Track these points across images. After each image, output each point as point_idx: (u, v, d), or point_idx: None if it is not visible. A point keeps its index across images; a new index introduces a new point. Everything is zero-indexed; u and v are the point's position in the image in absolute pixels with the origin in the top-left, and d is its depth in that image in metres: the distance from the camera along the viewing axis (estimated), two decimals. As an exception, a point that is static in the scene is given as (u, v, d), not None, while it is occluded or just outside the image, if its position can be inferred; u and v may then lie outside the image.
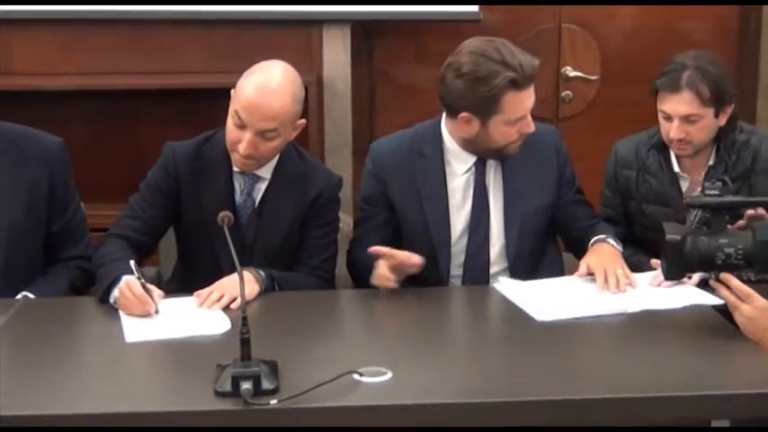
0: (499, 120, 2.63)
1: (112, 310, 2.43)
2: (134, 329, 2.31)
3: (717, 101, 2.74)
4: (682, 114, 2.74)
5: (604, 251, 2.67)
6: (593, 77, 4.29)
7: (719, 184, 2.21)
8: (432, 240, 2.76)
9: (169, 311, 2.41)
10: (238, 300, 2.24)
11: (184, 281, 2.74)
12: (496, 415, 1.95)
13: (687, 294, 2.47)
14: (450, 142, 2.77)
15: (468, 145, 2.74)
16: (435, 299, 2.63)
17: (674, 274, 2.31)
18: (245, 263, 2.50)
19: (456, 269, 2.79)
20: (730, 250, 2.12)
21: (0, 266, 2.59)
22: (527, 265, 2.75)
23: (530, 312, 2.41)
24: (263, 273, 2.59)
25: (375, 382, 1.99)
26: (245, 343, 1.96)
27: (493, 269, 2.78)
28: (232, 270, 2.33)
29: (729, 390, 2.00)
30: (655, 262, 2.60)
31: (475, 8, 3.90)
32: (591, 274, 2.58)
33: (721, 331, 2.24)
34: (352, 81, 3.96)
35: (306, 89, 2.70)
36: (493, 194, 2.78)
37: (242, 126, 2.56)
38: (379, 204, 2.82)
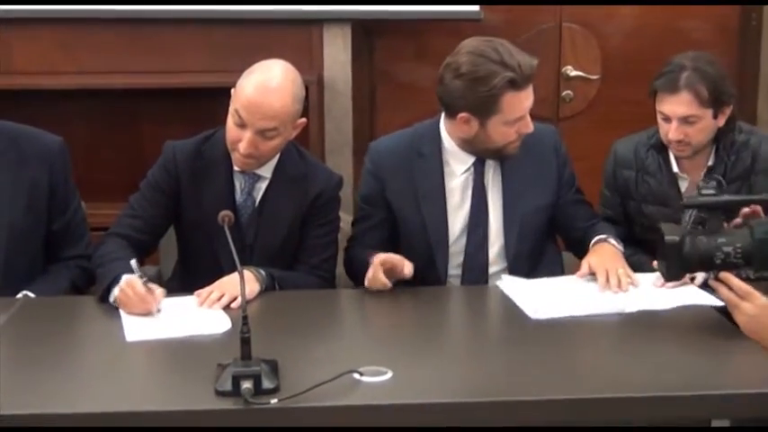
0: (498, 120, 2.63)
1: (113, 310, 2.43)
2: (134, 329, 2.31)
3: (715, 102, 2.74)
4: (680, 115, 2.74)
5: (606, 251, 2.67)
6: (594, 77, 4.29)
7: (714, 183, 2.22)
8: (429, 240, 2.76)
9: (169, 311, 2.42)
10: (239, 299, 2.24)
11: (185, 280, 2.74)
12: (497, 415, 1.95)
13: (686, 295, 2.47)
14: (448, 142, 2.77)
15: (466, 145, 2.74)
16: (436, 298, 2.63)
17: (674, 274, 2.31)
18: (246, 262, 2.50)
19: (455, 269, 2.79)
20: (729, 249, 2.12)
21: (0, 265, 2.60)
22: (526, 265, 2.75)
23: (525, 310, 2.41)
24: (263, 272, 2.59)
25: (375, 381, 1.99)
26: (245, 342, 1.96)
27: (492, 269, 2.78)
28: (232, 269, 2.34)
29: (729, 389, 1.99)
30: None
31: (476, 8, 3.90)
32: (592, 273, 2.58)
33: (721, 331, 2.25)
34: (352, 80, 3.96)
35: (306, 88, 2.70)
36: (491, 195, 2.77)
37: (242, 125, 2.56)
38: (378, 204, 2.82)
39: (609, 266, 2.56)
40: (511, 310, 2.45)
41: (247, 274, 2.50)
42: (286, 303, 2.55)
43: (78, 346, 2.33)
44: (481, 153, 2.74)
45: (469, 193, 2.77)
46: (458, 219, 2.78)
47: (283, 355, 2.06)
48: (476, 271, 2.78)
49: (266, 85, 2.55)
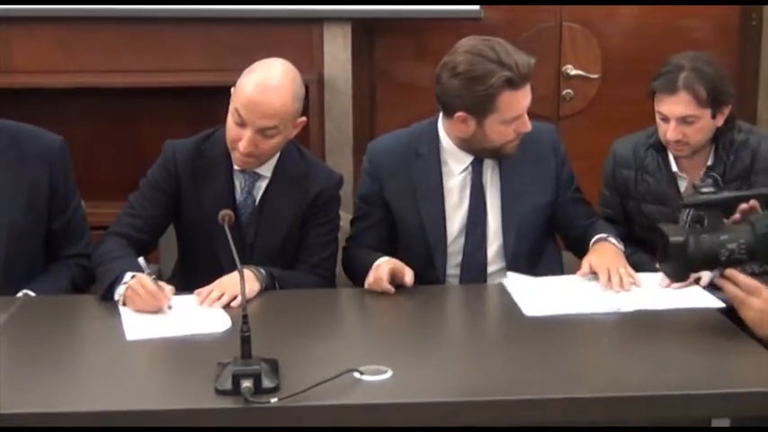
0: (495, 119, 2.63)
1: (113, 308, 2.43)
2: (135, 327, 2.31)
3: (714, 102, 2.74)
4: (678, 115, 2.74)
5: (606, 250, 2.67)
6: (594, 76, 4.29)
7: (710, 181, 2.22)
8: (428, 240, 2.76)
9: (170, 310, 2.41)
10: (239, 298, 2.24)
11: (185, 279, 2.74)
12: (496, 414, 1.95)
13: (688, 297, 2.46)
14: (446, 142, 2.77)
15: (464, 144, 2.74)
16: (436, 297, 2.63)
17: (680, 275, 2.31)
18: (246, 261, 2.50)
19: (453, 269, 2.79)
20: (733, 246, 2.12)
21: (0, 264, 2.60)
22: (525, 264, 2.74)
23: (521, 307, 2.41)
24: (263, 271, 2.59)
25: (375, 380, 2.00)
26: (245, 341, 1.96)
27: (490, 269, 2.78)
28: (232, 268, 2.34)
29: (729, 389, 1.99)
30: None
31: (476, 7, 3.90)
32: (593, 273, 2.58)
33: (721, 330, 2.25)
34: (352, 79, 3.96)
35: (306, 87, 2.70)
36: (490, 194, 2.77)
37: (242, 124, 2.56)
38: (376, 204, 2.82)
39: (610, 265, 2.56)
40: (511, 310, 2.45)
41: (247, 273, 2.50)
42: (286, 302, 2.55)
43: (78, 345, 2.33)
44: (479, 152, 2.74)
45: (468, 192, 2.77)
46: (456, 218, 2.78)
47: (283, 354, 2.06)
48: (474, 271, 2.78)
49: (266, 83, 2.55)
